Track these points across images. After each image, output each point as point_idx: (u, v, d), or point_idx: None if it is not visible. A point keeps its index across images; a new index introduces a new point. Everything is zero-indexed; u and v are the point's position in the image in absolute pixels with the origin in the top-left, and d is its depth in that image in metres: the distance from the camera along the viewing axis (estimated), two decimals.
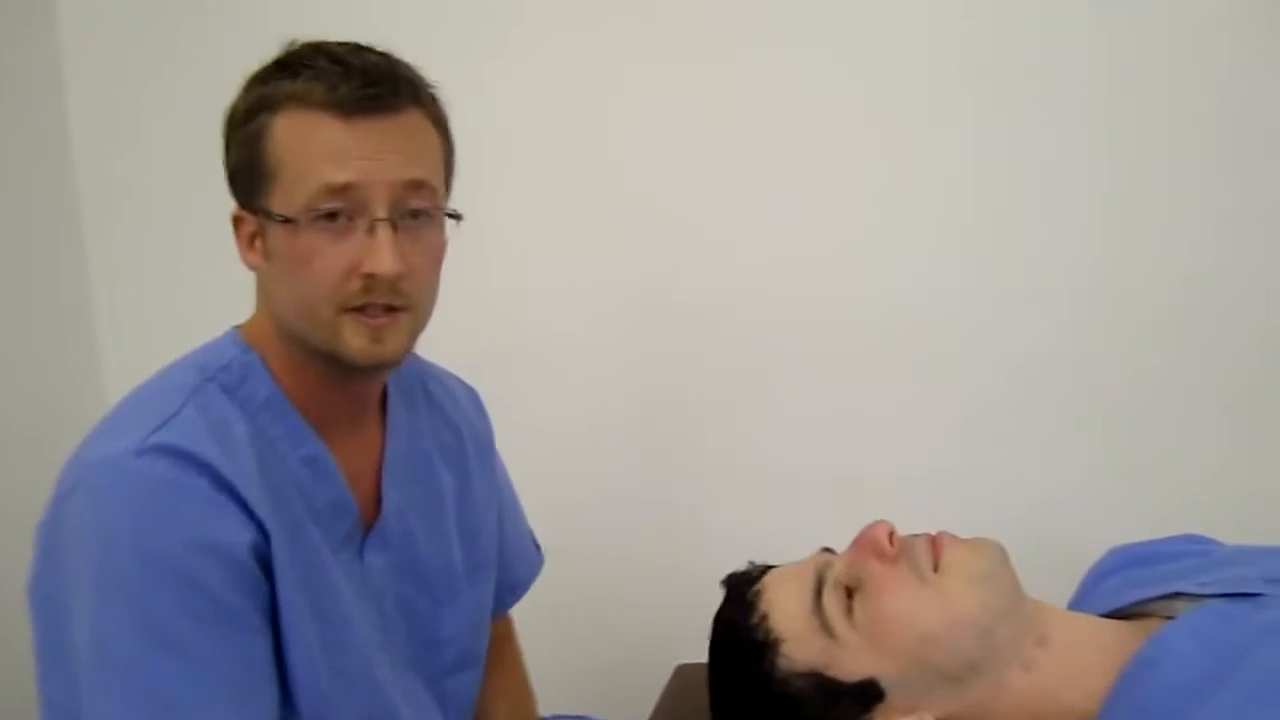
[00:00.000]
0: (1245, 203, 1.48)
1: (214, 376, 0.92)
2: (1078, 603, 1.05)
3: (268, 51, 0.91)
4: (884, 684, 0.86)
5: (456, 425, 1.13)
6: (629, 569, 1.60)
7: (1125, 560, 1.05)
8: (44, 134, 1.74)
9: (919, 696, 0.85)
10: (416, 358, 1.08)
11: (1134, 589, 0.98)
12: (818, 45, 1.54)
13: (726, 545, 1.63)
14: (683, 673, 1.39)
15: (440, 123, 0.94)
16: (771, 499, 1.64)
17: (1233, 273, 1.49)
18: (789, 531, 1.53)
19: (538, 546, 1.27)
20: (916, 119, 1.53)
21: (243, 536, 0.86)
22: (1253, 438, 1.51)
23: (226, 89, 0.91)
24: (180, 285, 1.70)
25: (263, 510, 0.88)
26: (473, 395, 1.20)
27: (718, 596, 1.02)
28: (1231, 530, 1.10)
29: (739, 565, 1.02)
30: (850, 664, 0.86)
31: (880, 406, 1.59)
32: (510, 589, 1.22)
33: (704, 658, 1.40)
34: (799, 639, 0.89)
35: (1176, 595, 0.91)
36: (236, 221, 0.93)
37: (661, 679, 1.39)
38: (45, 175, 1.73)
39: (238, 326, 0.98)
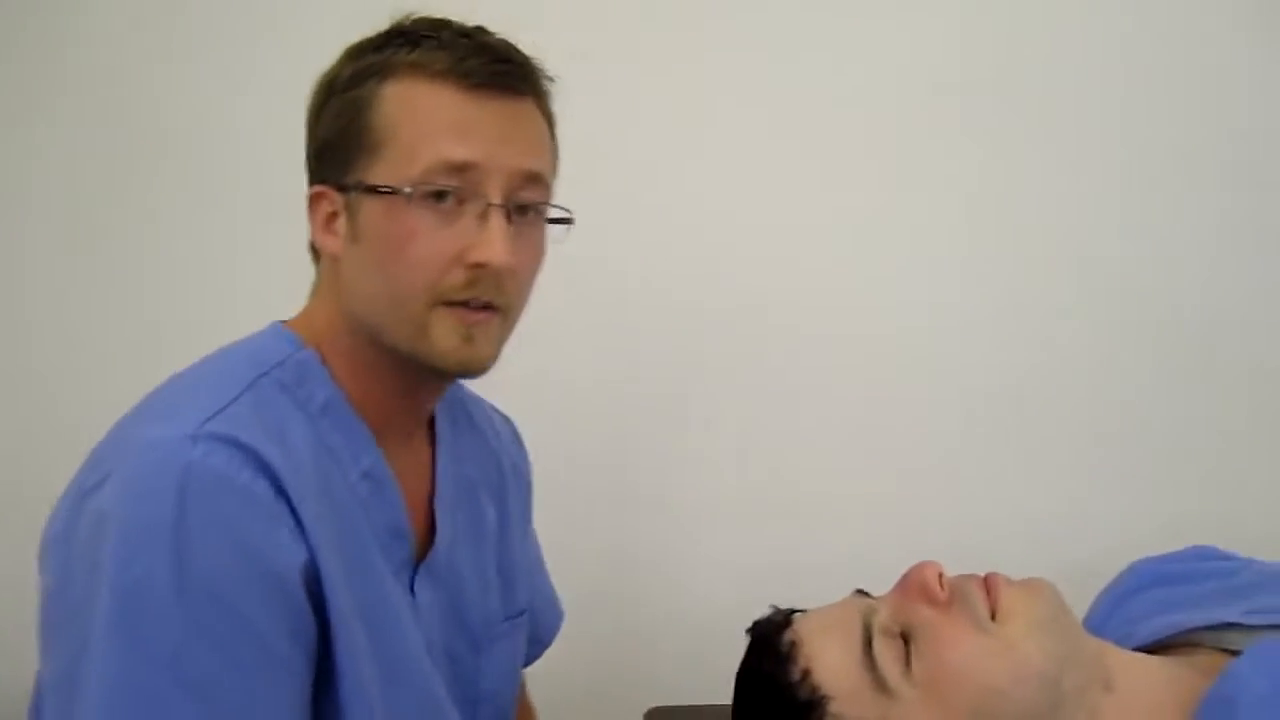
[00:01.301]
0: (1244, 213, 1.48)
1: (268, 372, 0.80)
2: (1100, 623, 0.99)
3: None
4: None
5: (498, 456, 1.02)
6: (594, 607, 1.45)
7: (1148, 579, 1.00)
8: None
9: None
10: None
11: (1167, 612, 0.93)
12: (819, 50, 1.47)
13: (694, 581, 1.52)
14: (654, 717, 1.30)
15: (552, 122, 0.87)
16: (740, 533, 1.48)
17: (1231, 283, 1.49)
18: (760, 565, 1.44)
19: (556, 598, 1.13)
20: (914, 131, 1.47)
21: (296, 558, 0.74)
22: (1247, 448, 1.50)
23: None
24: None
25: (320, 529, 0.76)
26: (513, 428, 1.08)
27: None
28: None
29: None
30: None
31: (853, 427, 1.50)
32: (536, 642, 1.08)
33: (673, 701, 1.32)
34: (849, 696, 0.79)
35: (1227, 626, 0.87)
36: (314, 200, 0.83)
37: None
38: None
39: (282, 322, 0.86)
